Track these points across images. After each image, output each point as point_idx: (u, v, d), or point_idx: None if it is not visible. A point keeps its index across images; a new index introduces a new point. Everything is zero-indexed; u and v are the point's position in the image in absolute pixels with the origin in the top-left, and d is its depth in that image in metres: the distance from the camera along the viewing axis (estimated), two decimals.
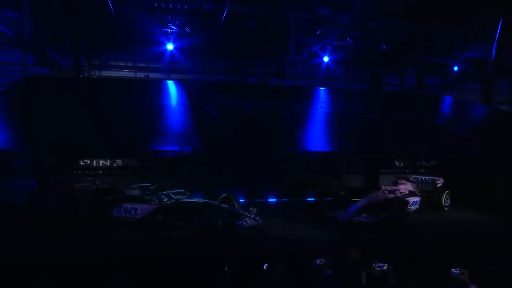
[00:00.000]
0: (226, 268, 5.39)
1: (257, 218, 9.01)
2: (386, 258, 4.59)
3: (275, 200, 12.26)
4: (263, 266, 4.50)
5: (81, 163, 10.03)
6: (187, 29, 11.59)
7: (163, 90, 10.71)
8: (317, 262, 4.12)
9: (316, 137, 8.41)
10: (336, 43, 12.23)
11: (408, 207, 10.43)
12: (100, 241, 7.99)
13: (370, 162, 10.71)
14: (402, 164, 12.62)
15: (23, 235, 8.23)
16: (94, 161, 11.31)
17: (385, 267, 4.13)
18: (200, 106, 8.97)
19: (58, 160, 7.64)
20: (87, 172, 10.91)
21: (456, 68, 15.23)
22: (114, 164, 11.31)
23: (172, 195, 9.69)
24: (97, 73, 13.78)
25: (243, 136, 7.87)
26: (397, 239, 7.73)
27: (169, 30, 12.04)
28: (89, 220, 9.39)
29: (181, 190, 10.02)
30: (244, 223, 8.69)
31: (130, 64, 14.35)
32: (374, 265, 4.20)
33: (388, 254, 5.00)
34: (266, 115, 9.01)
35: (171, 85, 11.06)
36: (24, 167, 8.40)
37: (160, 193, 9.77)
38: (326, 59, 13.61)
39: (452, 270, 3.78)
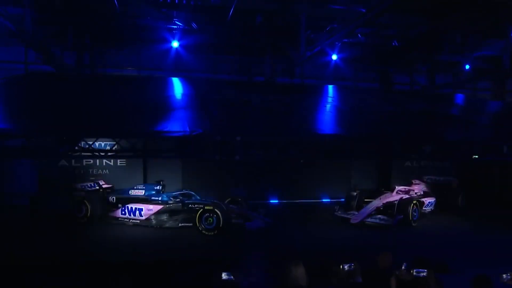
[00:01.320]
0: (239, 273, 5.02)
1: (266, 219, 8.68)
2: (417, 263, 4.20)
3: (284, 201, 11.95)
4: (281, 270, 4.10)
5: (83, 144, 9.38)
6: (194, 25, 11.24)
7: (170, 85, 10.39)
8: (346, 267, 3.70)
9: (328, 123, 8.12)
10: (346, 39, 11.84)
11: (423, 208, 10.05)
12: (103, 243, 7.69)
13: (382, 145, 10.34)
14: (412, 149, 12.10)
15: (25, 236, 7.92)
16: (97, 143, 10.76)
17: (424, 273, 3.72)
18: (210, 98, 8.63)
19: (60, 139, 7.27)
20: (89, 154, 10.16)
21: (467, 67, 14.84)
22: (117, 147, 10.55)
23: (178, 196, 9.36)
24: (100, 71, 13.46)
25: (256, 122, 7.51)
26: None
27: (174, 26, 11.70)
28: (92, 221, 9.08)
29: (188, 190, 9.69)
30: (254, 224, 8.35)
31: (133, 62, 14.03)
32: (411, 270, 3.79)
33: (416, 257, 4.59)
34: (277, 105, 8.68)
35: (178, 82, 10.74)
36: (24, 147, 8.00)
37: (165, 193, 9.43)
38: (334, 57, 13.27)
39: (503, 275, 3.39)
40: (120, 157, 10.68)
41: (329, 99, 10.47)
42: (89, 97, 8.13)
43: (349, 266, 3.70)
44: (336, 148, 8.65)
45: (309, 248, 6.98)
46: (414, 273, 3.90)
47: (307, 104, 9.62)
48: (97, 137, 9.05)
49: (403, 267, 3.96)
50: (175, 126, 6.69)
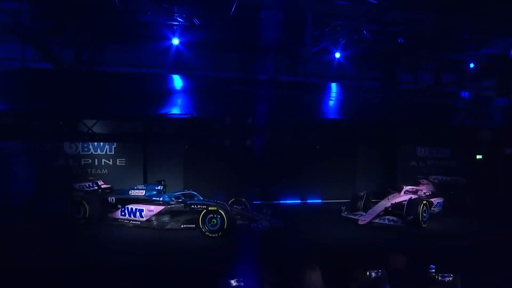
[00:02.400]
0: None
1: (273, 220, 8.38)
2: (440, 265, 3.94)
3: (287, 201, 11.71)
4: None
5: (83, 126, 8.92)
6: (196, 21, 10.96)
7: (172, 80, 10.11)
8: (373, 274, 3.39)
9: (337, 111, 7.98)
10: (352, 36, 11.58)
11: (432, 208, 9.79)
12: (102, 245, 7.39)
13: (386, 130, 10.25)
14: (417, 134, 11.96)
15: (22, 239, 7.60)
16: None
17: (451, 277, 3.46)
18: (214, 90, 8.39)
19: (60, 120, 6.99)
20: (90, 138, 9.72)
21: (472, 65, 14.65)
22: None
23: (181, 196, 9.07)
24: (99, 68, 13.16)
25: (265, 109, 7.28)
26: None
27: (175, 22, 11.41)
28: (91, 223, 8.79)
29: (190, 190, 9.39)
30: (260, 225, 8.07)
31: (133, 59, 13.72)
32: (436, 276, 3.52)
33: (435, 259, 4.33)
34: (284, 97, 8.49)
35: (179, 78, 10.47)
36: (24, 128, 7.69)
37: (167, 193, 9.14)
38: (337, 55, 13.04)
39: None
40: (120, 141, 10.19)
41: (335, 94, 10.33)
42: (90, 86, 7.84)
43: (376, 273, 3.39)
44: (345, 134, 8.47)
45: (321, 250, 6.69)
46: (439, 278, 3.65)
47: (314, 97, 9.46)
48: (98, 119, 8.73)
49: (430, 270, 3.69)
50: (181, 110, 6.38)
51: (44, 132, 8.30)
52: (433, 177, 11.48)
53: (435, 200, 9.98)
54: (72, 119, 7.11)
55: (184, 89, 8.47)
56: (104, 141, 10.25)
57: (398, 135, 11.34)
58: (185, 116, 6.05)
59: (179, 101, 7.11)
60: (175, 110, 6.31)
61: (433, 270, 3.66)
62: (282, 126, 7.36)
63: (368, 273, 3.41)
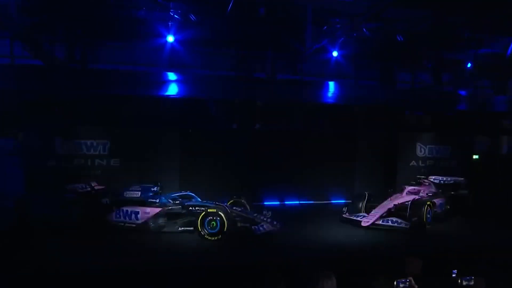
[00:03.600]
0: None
1: (274, 223, 8.12)
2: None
3: (286, 202, 11.50)
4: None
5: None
6: (192, 17, 10.67)
7: (168, 77, 9.87)
8: (400, 285, 3.14)
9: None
10: (351, 34, 11.40)
11: (434, 209, 9.63)
12: (95, 249, 7.06)
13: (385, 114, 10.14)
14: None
15: (10, 243, 7.22)
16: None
17: (472, 281, 3.28)
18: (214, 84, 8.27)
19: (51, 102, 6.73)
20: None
21: (469, 65, 14.58)
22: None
23: (178, 197, 8.78)
24: (92, 66, 12.79)
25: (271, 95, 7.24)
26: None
27: (171, 19, 11.12)
28: (84, 226, 8.43)
29: (188, 192, 9.11)
30: (261, 228, 7.80)
31: (127, 57, 13.38)
32: (458, 279, 3.33)
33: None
34: (287, 90, 8.43)
35: (174, 76, 10.23)
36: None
37: (164, 195, 8.84)
38: (335, 53, 12.86)
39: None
40: (115, 125, 10.05)
41: (339, 90, 10.35)
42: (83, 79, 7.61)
43: (404, 283, 3.16)
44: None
45: (329, 254, 6.45)
46: (464, 283, 3.46)
47: (317, 91, 9.37)
48: (90, 98, 8.42)
49: (453, 275, 3.50)
50: (180, 92, 6.15)
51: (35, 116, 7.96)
52: (433, 177, 11.34)
53: (437, 201, 9.82)
54: (63, 99, 6.83)
55: (180, 82, 8.32)
56: (97, 124, 9.88)
57: (398, 121, 11.38)
58: (184, 96, 5.81)
59: (177, 86, 6.93)
60: (172, 92, 6.12)
61: (455, 274, 3.47)
62: (283, 107, 7.30)
63: (396, 283, 3.17)
